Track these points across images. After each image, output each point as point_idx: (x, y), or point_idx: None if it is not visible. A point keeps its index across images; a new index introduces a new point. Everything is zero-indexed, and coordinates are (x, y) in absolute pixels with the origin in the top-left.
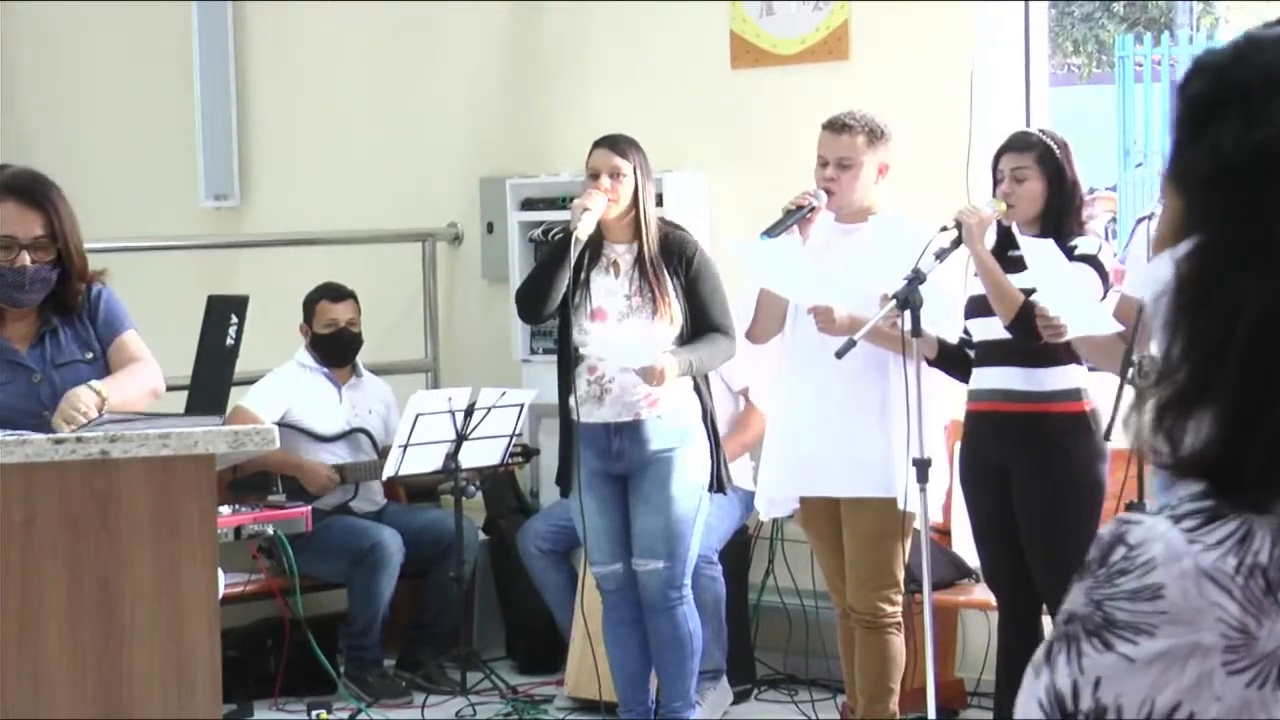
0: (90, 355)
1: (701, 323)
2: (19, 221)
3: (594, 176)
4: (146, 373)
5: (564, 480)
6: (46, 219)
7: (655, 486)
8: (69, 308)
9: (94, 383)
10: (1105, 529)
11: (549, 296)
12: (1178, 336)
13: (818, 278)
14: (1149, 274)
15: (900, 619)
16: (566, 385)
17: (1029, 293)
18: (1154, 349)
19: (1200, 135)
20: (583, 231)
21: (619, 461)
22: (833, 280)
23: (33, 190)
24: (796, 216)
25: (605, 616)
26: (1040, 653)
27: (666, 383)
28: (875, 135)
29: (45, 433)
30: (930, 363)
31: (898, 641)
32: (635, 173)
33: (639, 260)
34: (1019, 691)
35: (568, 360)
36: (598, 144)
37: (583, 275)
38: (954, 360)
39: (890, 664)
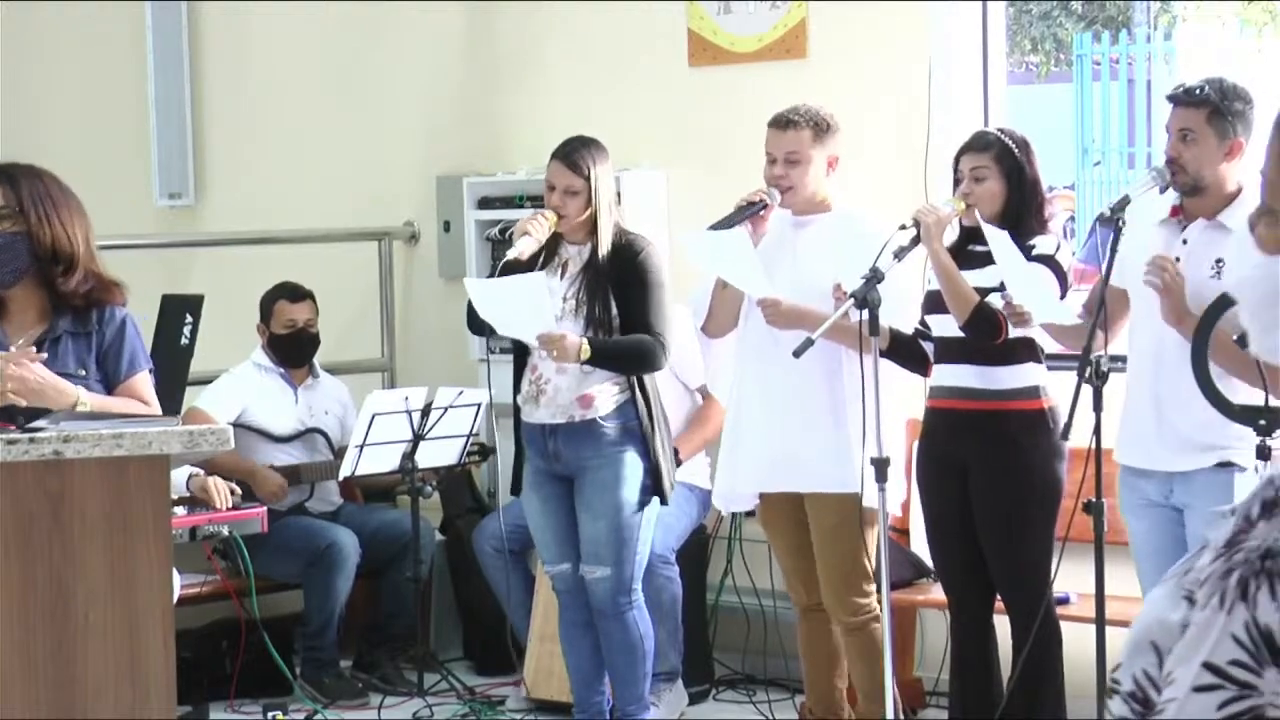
0: (82, 372)
1: (630, 324)
2: None
3: (550, 189)
4: (142, 413)
5: (516, 479)
6: (9, 191)
7: (597, 491)
8: (66, 303)
9: (84, 394)
10: (1276, 470)
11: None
12: None
13: (765, 270)
14: (1263, 272)
15: (877, 609)
16: (517, 384)
17: (984, 292)
18: (1269, 347)
19: None
20: (516, 255)
21: (557, 462)
22: (783, 271)
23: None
24: (747, 213)
25: (560, 619)
26: (1188, 591)
27: (569, 357)
28: (821, 129)
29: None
30: (883, 354)
31: (880, 631)
32: (591, 183)
33: (587, 264)
34: (1153, 635)
35: (521, 359)
36: (554, 155)
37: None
38: (907, 353)
39: (879, 657)
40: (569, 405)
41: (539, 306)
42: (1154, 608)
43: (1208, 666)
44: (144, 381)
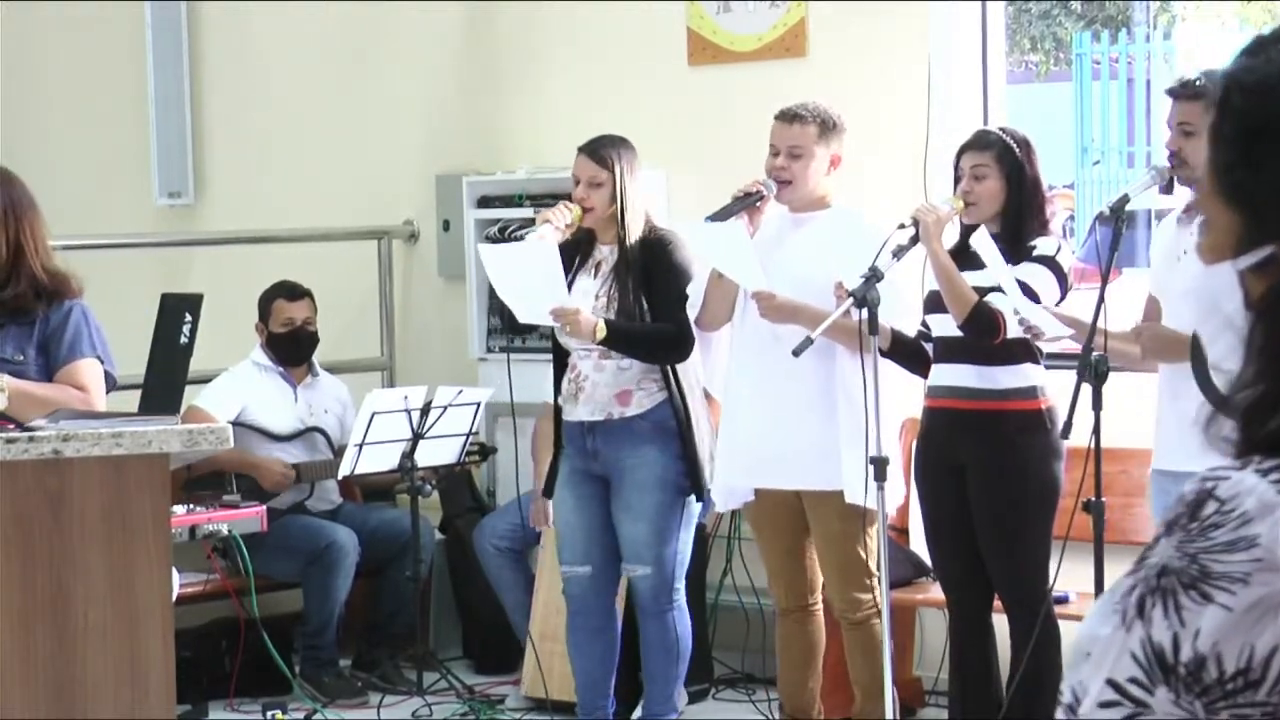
0: (20, 359)
1: (656, 315)
2: None
3: (575, 182)
4: (73, 398)
5: (550, 480)
6: None
7: (636, 492)
8: (10, 307)
9: (3, 379)
10: (1189, 487)
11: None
12: (1266, 341)
13: (763, 263)
14: (1202, 283)
15: (878, 604)
16: (558, 384)
17: (983, 292)
18: (1221, 354)
19: (1261, 154)
20: (536, 239)
21: (595, 461)
22: (781, 268)
23: None
24: (744, 204)
25: (569, 623)
26: (1117, 607)
27: (583, 334)
28: (828, 127)
29: None
30: (884, 354)
31: (882, 627)
32: (616, 178)
33: (618, 260)
34: (1088, 647)
35: (561, 360)
36: (580, 149)
37: (571, 275)
38: (909, 354)
39: (881, 655)
40: (607, 402)
41: (552, 277)
42: (1090, 621)
43: (1110, 683)
44: (86, 368)
